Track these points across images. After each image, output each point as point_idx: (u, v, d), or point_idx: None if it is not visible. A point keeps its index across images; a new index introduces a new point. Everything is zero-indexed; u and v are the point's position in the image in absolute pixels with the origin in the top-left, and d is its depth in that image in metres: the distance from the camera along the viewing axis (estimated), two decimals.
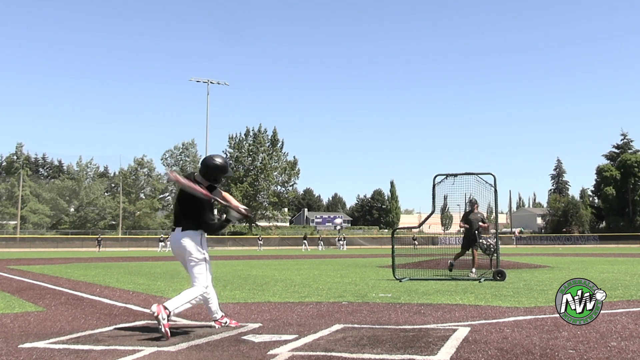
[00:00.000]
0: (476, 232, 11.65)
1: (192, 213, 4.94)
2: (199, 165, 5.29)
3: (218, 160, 5.10)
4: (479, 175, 11.17)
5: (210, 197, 4.92)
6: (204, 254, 4.97)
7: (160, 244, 48.74)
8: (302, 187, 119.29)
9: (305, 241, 51.34)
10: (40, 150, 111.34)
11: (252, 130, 73.05)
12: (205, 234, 5.05)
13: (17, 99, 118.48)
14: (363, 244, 63.94)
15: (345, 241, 56.15)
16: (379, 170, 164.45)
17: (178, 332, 4.93)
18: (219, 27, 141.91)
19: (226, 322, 5.19)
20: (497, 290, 8.55)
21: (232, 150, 72.35)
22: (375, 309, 6.47)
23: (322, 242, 53.67)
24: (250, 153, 71.64)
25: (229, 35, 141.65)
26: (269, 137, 73.17)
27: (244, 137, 72.60)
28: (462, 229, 12.23)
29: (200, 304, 5.08)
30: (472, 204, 11.79)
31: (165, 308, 4.59)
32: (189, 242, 4.91)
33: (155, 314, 4.55)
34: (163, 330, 4.52)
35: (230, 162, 71.92)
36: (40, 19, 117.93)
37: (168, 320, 4.59)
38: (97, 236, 53.83)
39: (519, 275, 11.87)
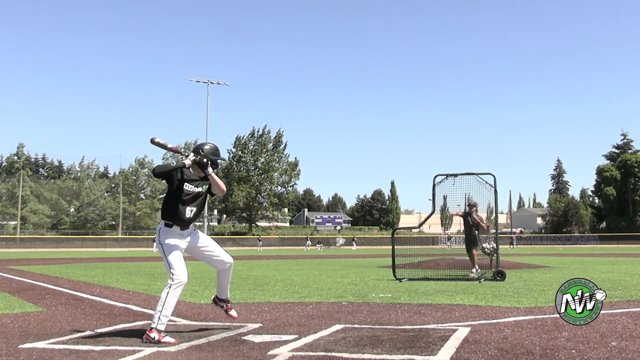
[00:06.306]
0: (476, 233, 11.65)
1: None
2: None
3: (210, 144, 4.98)
4: (479, 176, 11.17)
5: (176, 150, 4.97)
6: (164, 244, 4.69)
7: (155, 243, 48.75)
8: (302, 187, 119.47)
9: (308, 241, 58.71)
10: (41, 151, 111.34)
11: (257, 131, 73.26)
12: (170, 227, 4.72)
13: (17, 99, 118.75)
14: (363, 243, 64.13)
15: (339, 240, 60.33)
16: (379, 170, 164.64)
17: (178, 332, 4.93)
18: (219, 27, 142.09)
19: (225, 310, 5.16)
20: (497, 290, 8.55)
21: (234, 150, 72.45)
22: (376, 309, 6.47)
23: (321, 243, 56.93)
24: (254, 154, 71.70)
25: (229, 35, 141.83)
26: (272, 138, 73.29)
27: (248, 137, 72.80)
28: (461, 229, 12.25)
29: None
30: (471, 206, 11.79)
31: (151, 329, 4.45)
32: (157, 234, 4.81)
33: (145, 341, 4.39)
34: (164, 343, 4.38)
35: (233, 162, 72.13)
36: (40, 19, 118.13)
37: (161, 333, 4.44)
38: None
39: (519, 275, 11.87)
